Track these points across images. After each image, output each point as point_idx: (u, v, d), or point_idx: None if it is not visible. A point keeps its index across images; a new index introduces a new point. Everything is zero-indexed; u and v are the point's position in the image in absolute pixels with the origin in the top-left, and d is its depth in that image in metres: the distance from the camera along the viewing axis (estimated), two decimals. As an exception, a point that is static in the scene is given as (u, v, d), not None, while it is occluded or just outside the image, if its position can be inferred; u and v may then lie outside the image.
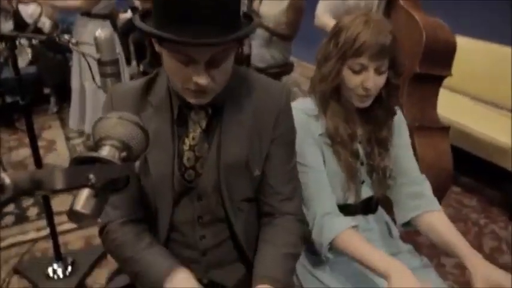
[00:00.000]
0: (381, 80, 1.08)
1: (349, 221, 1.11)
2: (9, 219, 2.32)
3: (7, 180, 0.47)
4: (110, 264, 1.84)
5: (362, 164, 1.19)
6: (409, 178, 1.21)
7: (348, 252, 1.05)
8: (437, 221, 1.13)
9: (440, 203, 1.21)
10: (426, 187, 1.21)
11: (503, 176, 2.42)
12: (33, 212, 2.38)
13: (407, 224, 1.20)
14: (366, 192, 1.21)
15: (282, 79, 3.34)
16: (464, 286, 0.99)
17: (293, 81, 4.21)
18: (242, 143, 0.96)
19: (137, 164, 0.63)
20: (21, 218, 2.32)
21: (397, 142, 1.21)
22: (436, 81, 2.02)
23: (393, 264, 0.96)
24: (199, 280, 1.04)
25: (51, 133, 3.28)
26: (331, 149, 1.16)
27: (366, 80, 1.06)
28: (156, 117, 0.94)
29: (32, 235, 2.19)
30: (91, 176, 0.55)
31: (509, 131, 2.35)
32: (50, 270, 1.89)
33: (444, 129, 2.03)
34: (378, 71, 1.07)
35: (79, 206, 0.57)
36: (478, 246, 2.14)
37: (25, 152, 2.81)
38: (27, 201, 2.45)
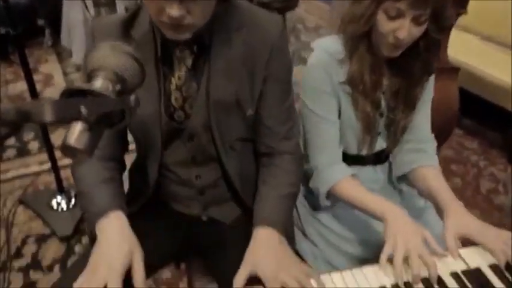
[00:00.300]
0: (417, 31, 0.96)
1: (348, 169, 1.09)
2: (11, 153, 2.33)
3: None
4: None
5: (382, 115, 1.11)
6: (418, 135, 1.16)
7: (346, 199, 1.05)
8: (428, 174, 1.10)
9: (442, 145, 1.19)
10: (431, 145, 1.17)
11: (506, 119, 2.39)
12: (34, 146, 2.38)
13: (401, 177, 1.18)
14: (380, 144, 1.16)
15: (286, 15, 3.19)
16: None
17: (297, 18, 4.03)
18: (232, 81, 0.90)
19: (133, 97, 0.59)
20: (22, 152, 2.33)
21: (422, 100, 1.13)
22: (449, 19, 1.92)
23: (389, 208, 0.96)
24: (199, 217, 1.06)
25: (48, 67, 3.20)
26: (350, 98, 1.07)
27: (400, 28, 0.93)
28: (139, 53, 0.89)
29: (34, 168, 2.21)
30: (82, 108, 0.51)
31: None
32: (53, 203, 1.94)
33: (454, 70, 1.97)
34: (416, 21, 0.93)
35: (72, 140, 0.54)
36: (475, 187, 2.16)
37: (22, 86, 2.76)
38: (28, 135, 2.45)
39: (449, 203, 0.99)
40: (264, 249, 0.87)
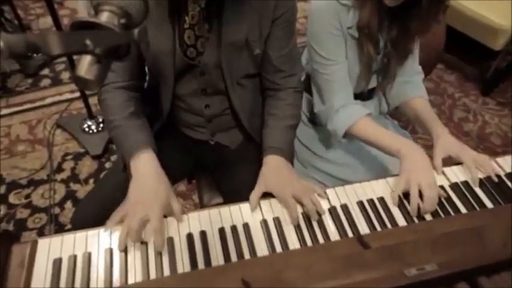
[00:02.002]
0: None
1: (364, 109, 1.02)
2: (46, 82, 2.27)
3: (1, 43, 0.40)
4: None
5: (378, 53, 1.03)
6: (407, 70, 1.10)
7: (363, 137, 1.00)
8: (419, 105, 1.07)
9: (424, 78, 1.14)
10: (419, 77, 1.13)
11: (485, 55, 2.26)
12: (65, 75, 2.31)
13: (395, 108, 1.15)
14: (372, 83, 1.10)
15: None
16: (431, 149, 0.98)
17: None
18: (243, 23, 0.85)
19: (136, 31, 0.54)
20: (56, 81, 2.27)
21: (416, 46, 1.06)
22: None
23: (404, 144, 0.92)
24: (207, 141, 1.05)
25: (73, 2, 2.98)
26: (355, 42, 0.99)
27: None
28: None
29: (67, 96, 2.17)
30: (88, 41, 0.46)
31: (504, 11, 2.10)
32: (85, 126, 1.93)
33: (443, 8, 1.81)
34: None
35: (82, 72, 0.50)
36: (449, 116, 2.11)
37: (51, 20, 2.63)
38: (59, 66, 2.37)
39: (437, 131, 0.98)
40: (274, 171, 0.88)
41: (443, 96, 2.27)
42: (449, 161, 0.95)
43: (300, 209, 0.82)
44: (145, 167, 0.83)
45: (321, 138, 1.17)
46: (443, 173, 0.92)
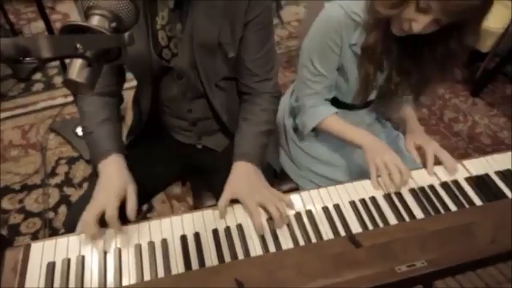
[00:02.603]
0: (433, 28, 0.82)
1: (332, 108, 1.05)
2: (39, 86, 2.26)
3: (-10, 47, 0.40)
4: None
5: (382, 71, 1.01)
6: None
7: (330, 133, 1.03)
8: (405, 110, 1.12)
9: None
10: None
11: (474, 56, 2.29)
12: (58, 80, 2.30)
13: None
14: (372, 95, 1.07)
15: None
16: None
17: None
18: (214, 24, 0.83)
19: (126, 34, 0.54)
20: (48, 85, 2.26)
21: None
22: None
23: (365, 136, 0.97)
24: (194, 145, 1.05)
25: (65, 6, 2.98)
26: (356, 59, 0.97)
27: (418, 21, 0.79)
28: None
29: (60, 100, 2.16)
30: (78, 45, 0.46)
31: (492, 14, 2.13)
32: (78, 130, 1.91)
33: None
34: (438, 22, 0.80)
35: (74, 75, 0.50)
36: (440, 116, 2.13)
37: (43, 24, 2.61)
38: (52, 71, 2.36)
39: (412, 127, 1.06)
40: (241, 178, 0.87)
41: (434, 98, 2.29)
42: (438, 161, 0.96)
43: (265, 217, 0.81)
44: (108, 166, 0.84)
45: (315, 142, 1.18)
46: (434, 173, 0.93)
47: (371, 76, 0.98)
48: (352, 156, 1.12)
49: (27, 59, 0.44)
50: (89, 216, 0.75)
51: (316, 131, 1.10)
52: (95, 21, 0.54)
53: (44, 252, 0.73)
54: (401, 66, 0.98)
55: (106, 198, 0.77)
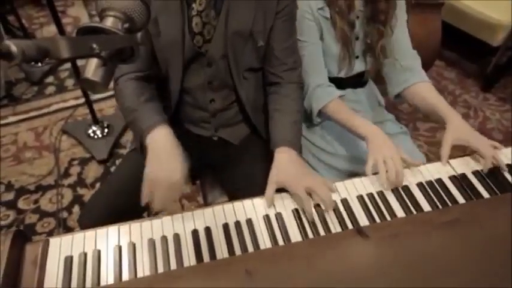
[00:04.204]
0: None
1: (337, 91, 1.07)
2: (51, 89, 2.32)
3: (13, 48, 0.42)
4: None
5: (357, 38, 1.09)
6: (402, 54, 1.12)
7: (335, 119, 1.05)
8: (424, 90, 1.08)
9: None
10: (417, 62, 1.14)
11: (484, 51, 2.28)
12: (70, 82, 2.36)
13: (397, 96, 1.15)
14: (358, 66, 1.14)
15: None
16: (433, 146, 1.00)
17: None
18: (248, 14, 0.89)
19: (139, 34, 0.57)
20: (61, 88, 2.32)
21: (394, 23, 1.08)
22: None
23: (371, 129, 0.97)
24: (210, 137, 1.07)
25: (76, 10, 3.04)
26: (329, 22, 1.05)
27: None
28: None
29: (72, 102, 2.21)
30: (94, 45, 0.49)
31: (502, 7, 2.12)
32: (90, 131, 1.96)
33: (438, 5, 1.83)
34: None
35: (89, 74, 0.53)
36: (450, 113, 2.13)
37: (55, 28, 2.67)
38: (63, 73, 2.42)
39: (449, 117, 0.97)
40: (286, 163, 0.89)
41: (444, 93, 2.28)
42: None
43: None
44: (161, 137, 0.85)
45: (320, 131, 1.20)
46: (448, 162, 0.93)
47: (347, 33, 1.04)
48: (355, 146, 1.13)
49: (47, 59, 0.47)
50: (167, 193, 0.78)
51: (322, 117, 1.11)
52: (109, 22, 0.57)
53: (62, 246, 0.76)
54: (368, 14, 1.04)
55: (173, 165, 0.79)
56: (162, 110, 0.93)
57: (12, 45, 0.42)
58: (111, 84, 0.82)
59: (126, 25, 0.58)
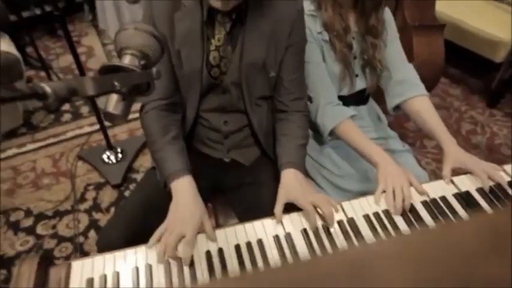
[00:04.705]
0: None
1: (348, 111, 1.11)
2: (67, 117, 2.40)
3: (48, 89, 0.48)
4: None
5: (355, 57, 1.15)
6: (396, 67, 1.16)
7: (346, 140, 1.09)
8: (421, 108, 1.12)
9: (429, 94, 1.18)
10: (411, 74, 1.17)
11: (487, 67, 2.31)
12: (85, 110, 2.44)
13: (396, 108, 1.19)
14: (359, 84, 1.19)
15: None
16: (441, 163, 1.02)
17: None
18: (261, 47, 0.95)
19: (154, 70, 0.62)
20: (76, 115, 2.41)
21: (386, 38, 1.15)
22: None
23: (381, 155, 1.00)
24: (221, 160, 1.12)
25: (89, 40, 3.19)
26: (329, 45, 1.11)
27: None
28: (188, 17, 0.93)
29: (87, 129, 2.29)
30: (116, 83, 0.55)
31: (503, 25, 2.17)
32: (104, 157, 2.02)
33: (439, 27, 1.89)
34: None
35: (111, 108, 0.59)
36: (457, 129, 2.15)
37: (71, 58, 2.80)
38: (78, 101, 2.52)
39: (445, 141, 1.03)
40: (293, 182, 0.94)
41: (450, 110, 2.31)
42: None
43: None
44: (183, 190, 0.91)
45: (328, 153, 1.23)
46: (452, 182, 0.97)
47: (346, 54, 1.11)
48: (363, 166, 1.16)
49: (75, 97, 0.53)
50: (171, 239, 0.81)
51: (332, 136, 1.15)
52: (127, 60, 0.63)
53: (83, 269, 0.80)
54: (362, 32, 1.11)
55: (186, 224, 0.84)
56: (185, 149, 0.99)
57: (47, 87, 0.47)
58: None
59: (143, 62, 0.64)
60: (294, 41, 0.99)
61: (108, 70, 0.60)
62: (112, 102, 0.59)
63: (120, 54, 0.65)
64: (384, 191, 0.93)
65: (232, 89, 0.99)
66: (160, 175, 0.98)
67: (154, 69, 0.63)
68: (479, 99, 2.37)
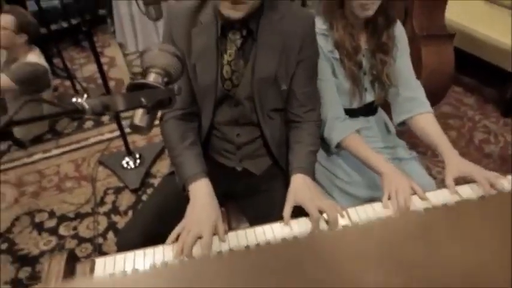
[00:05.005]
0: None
1: (354, 124, 1.18)
2: (89, 124, 2.53)
3: (86, 106, 0.56)
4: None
5: (365, 73, 1.21)
6: (405, 84, 1.21)
7: (353, 152, 1.15)
8: (426, 123, 1.17)
9: (440, 102, 1.23)
10: (419, 92, 1.22)
11: (501, 76, 2.32)
12: (105, 117, 2.55)
13: (402, 123, 1.24)
14: (369, 97, 1.25)
15: None
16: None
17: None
18: (272, 62, 1.00)
19: (176, 86, 0.70)
20: (97, 123, 2.53)
21: (396, 53, 1.19)
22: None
23: (385, 165, 1.06)
24: (234, 168, 1.18)
25: (111, 50, 3.32)
26: (339, 62, 1.17)
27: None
28: (204, 33, 1.00)
29: (108, 135, 2.40)
30: (142, 99, 0.63)
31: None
32: (124, 162, 2.12)
33: (449, 36, 1.92)
34: None
35: (137, 121, 0.67)
36: (469, 139, 2.16)
37: (93, 68, 2.91)
38: (100, 109, 2.63)
39: (447, 152, 1.08)
40: (301, 186, 1.00)
41: (463, 119, 2.32)
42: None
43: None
44: (201, 192, 0.98)
45: (337, 161, 1.29)
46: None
47: (355, 72, 1.16)
48: (371, 174, 1.20)
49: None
50: (189, 239, 0.88)
51: (339, 148, 1.21)
52: (152, 78, 0.71)
53: (106, 265, 0.88)
54: (372, 50, 1.15)
55: (203, 225, 0.90)
56: (201, 154, 1.06)
57: (85, 104, 0.55)
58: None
59: (165, 79, 0.72)
60: (305, 55, 1.03)
61: (135, 86, 0.69)
62: (138, 116, 0.66)
63: (145, 73, 0.73)
64: (389, 198, 0.98)
65: (245, 102, 1.05)
66: (180, 179, 1.05)
67: (176, 86, 0.71)
68: (494, 108, 2.37)
